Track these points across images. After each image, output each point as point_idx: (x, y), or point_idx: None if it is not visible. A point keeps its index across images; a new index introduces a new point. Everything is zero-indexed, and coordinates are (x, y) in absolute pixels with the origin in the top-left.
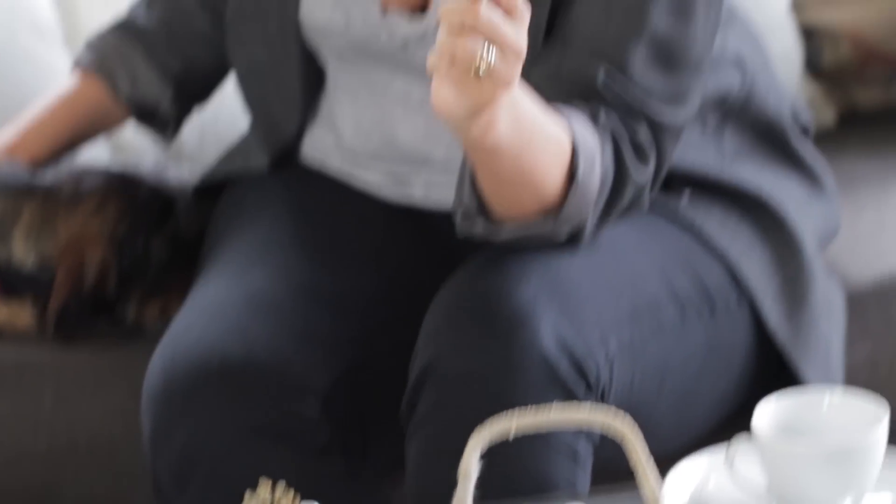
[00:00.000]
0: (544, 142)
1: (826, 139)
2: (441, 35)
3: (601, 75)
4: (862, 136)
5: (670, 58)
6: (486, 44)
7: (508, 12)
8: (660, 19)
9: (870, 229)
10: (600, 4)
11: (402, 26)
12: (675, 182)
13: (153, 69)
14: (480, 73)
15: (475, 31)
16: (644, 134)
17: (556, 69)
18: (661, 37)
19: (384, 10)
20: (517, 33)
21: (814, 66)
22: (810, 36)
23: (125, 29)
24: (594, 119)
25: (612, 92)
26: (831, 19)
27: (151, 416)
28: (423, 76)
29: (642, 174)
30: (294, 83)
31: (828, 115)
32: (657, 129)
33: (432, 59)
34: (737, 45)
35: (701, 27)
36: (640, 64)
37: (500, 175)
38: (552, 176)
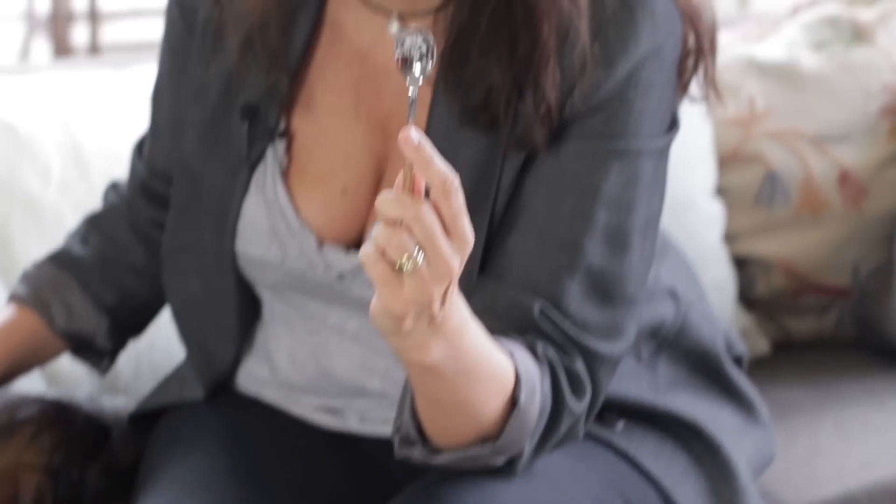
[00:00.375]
0: (486, 369)
1: (760, 367)
2: (375, 229)
3: (536, 310)
4: (796, 365)
5: (606, 291)
6: (417, 247)
7: (448, 230)
8: (595, 253)
9: (804, 457)
10: (535, 238)
11: (339, 259)
12: (609, 411)
13: (88, 301)
14: (405, 269)
15: (411, 230)
16: (580, 365)
17: (492, 303)
18: (597, 270)
19: (320, 243)
20: (452, 253)
21: (747, 295)
22: (743, 266)
23: (60, 261)
24: (532, 350)
25: (548, 325)
26: (764, 250)
27: None
28: (358, 308)
29: (578, 405)
30: (230, 315)
31: (762, 344)
32: (593, 361)
33: (363, 250)
34: (671, 277)
35: (636, 261)
36: (576, 297)
37: (439, 399)
38: (492, 404)
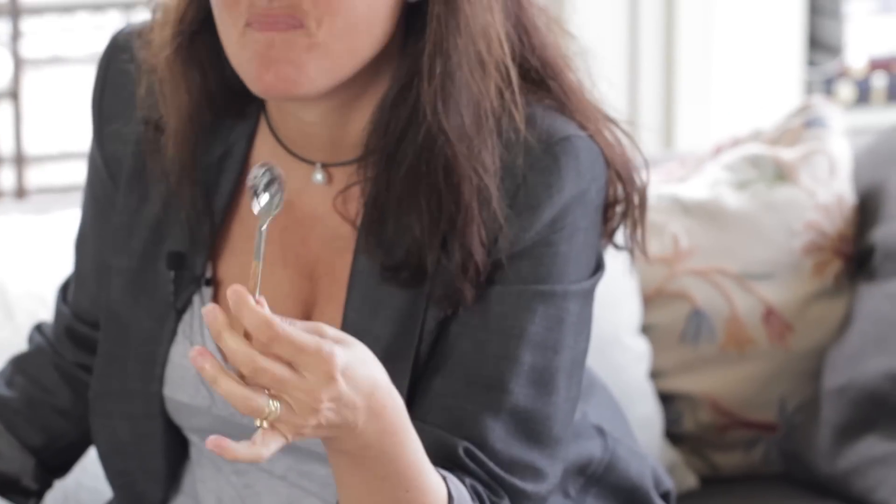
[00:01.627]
0: (416, 478)
1: (689, 502)
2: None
3: (461, 449)
4: (724, 499)
5: (532, 431)
6: (269, 399)
7: (296, 362)
8: (520, 394)
9: None
10: (460, 380)
11: None
12: None
13: (14, 443)
14: (264, 425)
15: (256, 383)
16: None
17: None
18: (522, 411)
19: None
20: (309, 384)
21: (674, 431)
22: (670, 402)
23: None
24: (462, 482)
25: (474, 465)
26: (690, 386)
27: None
28: (286, 449)
29: None
30: (158, 458)
31: (689, 479)
32: (520, 501)
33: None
34: (597, 414)
35: (562, 401)
36: (501, 438)
37: None
38: None
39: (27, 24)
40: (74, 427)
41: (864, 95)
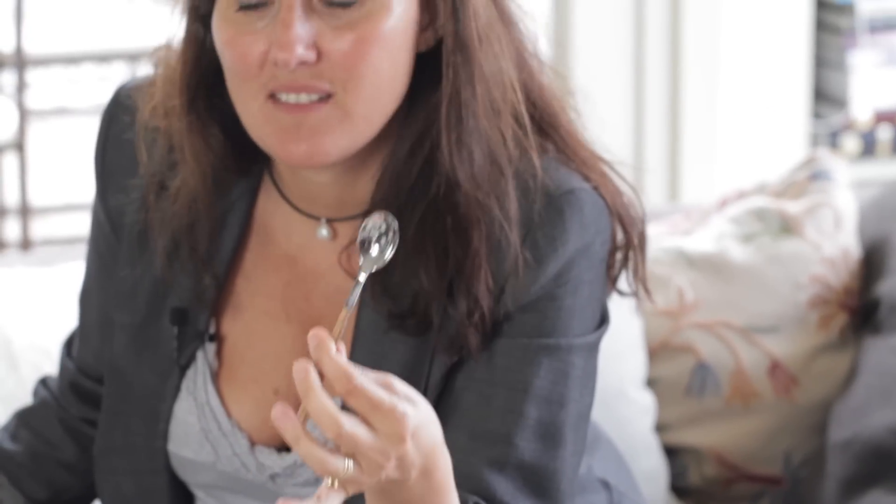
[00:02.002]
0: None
1: None
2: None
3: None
4: None
5: (538, 485)
6: (344, 460)
7: (370, 420)
8: (527, 448)
9: None
10: (466, 434)
11: (271, 460)
12: None
13: (18, 496)
14: (334, 484)
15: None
16: None
17: None
18: (528, 465)
19: (252, 444)
20: (380, 448)
21: (679, 484)
22: (675, 455)
23: None
24: None
25: None
26: (695, 440)
27: None
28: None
29: None
30: None
31: None
32: None
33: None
34: (603, 467)
35: (568, 455)
36: (508, 492)
37: None
38: None
39: (33, 75)
40: (79, 481)
41: (869, 148)
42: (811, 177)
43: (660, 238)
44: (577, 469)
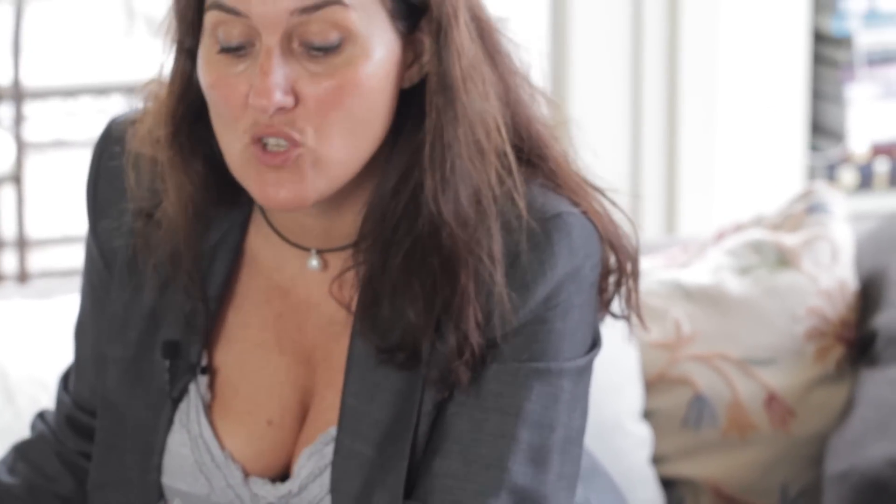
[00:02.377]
0: None
1: None
2: None
3: None
4: None
5: None
6: None
7: None
8: (518, 472)
9: None
10: (459, 459)
11: (265, 491)
12: None
13: None
14: None
15: None
16: None
17: None
18: (520, 489)
19: (246, 476)
20: None
21: None
22: (672, 487)
23: None
24: None
25: None
26: (692, 472)
27: None
28: None
29: None
30: None
31: None
32: None
33: None
34: (600, 499)
35: (555, 478)
36: None
37: None
38: None
39: (30, 108)
40: None
41: (866, 181)
42: (808, 209)
43: (657, 270)
44: (565, 494)
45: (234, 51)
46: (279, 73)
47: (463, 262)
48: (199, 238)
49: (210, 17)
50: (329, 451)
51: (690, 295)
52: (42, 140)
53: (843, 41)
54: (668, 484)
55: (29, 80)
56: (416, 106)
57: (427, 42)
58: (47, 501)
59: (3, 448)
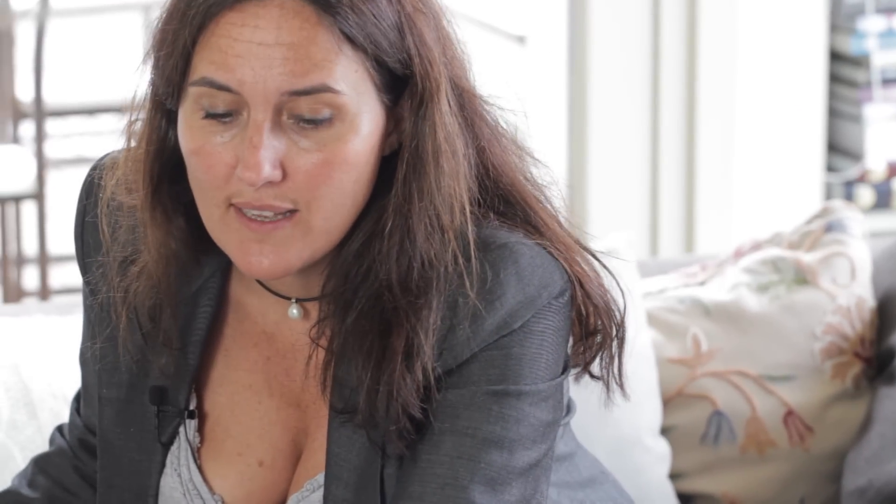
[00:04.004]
0: None
1: None
2: None
3: None
4: None
5: None
6: None
7: None
8: (475, 490)
9: None
10: (416, 480)
11: None
12: None
13: None
14: None
15: None
16: None
17: None
18: None
19: None
20: None
21: None
22: (690, 503)
23: (8, 500)
24: None
25: None
26: (710, 487)
27: None
28: None
29: None
30: None
31: None
32: None
33: None
34: None
35: (516, 500)
36: None
37: None
38: None
39: (52, 126)
40: None
41: (883, 199)
42: (826, 227)
43: (676, 288)
44: None
45: (220, 117)
46: (269, 147)
47: (400, 333)
48: (181, 287)
49: (197, 90)
50: (315, 497)
51: (709, 312)
52: (63, 157)
53: (861, 60)
54: (686, 500)
55: (50, 98)
56: (392, 172)
57: (407, 113)
58: None
59: (25, 461)
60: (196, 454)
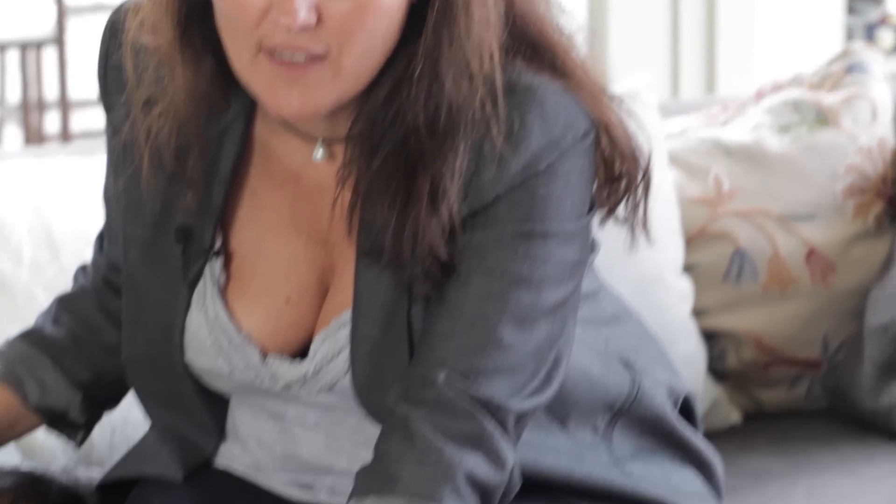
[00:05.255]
0: None
1: (732, 437)
2: None
3: (441, 379)
4: (768, 434)
5: (513, 368)
6: None
7: None
8: (504, 330)
9: None
10: (445, 319)
11: (283, 370)
12: (577, 491)
13: (62, 377)
14: None
15: None
16: (492, 431)
17: (406, 388)
18: (507, 347)
19: (264, 355)
20: None
21: (718, 368)
22: (713, 340)
23: (33, 339)
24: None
25: (454, 392)
26: (733, 324)
27: None
28: (313, 405)
29: (503, 486)
30: (201, 413)
31: (733, 415)
32: (503, 418)
33: None
34: (622, 344)
35: (543, 339)
36: (485, 372)
37: None
38: None
39: None
40: (120, 364)
41: None
42: (847, 69)
43: (697, 129)
44: (558, 355)
45: None
46: None
47: (424, 175)
48: (206, 126)
49: None
50: (342, 335)
51: (730, 152)
52: (83, 4)
53: None
54: (709, 336)
55: None
56: (420, 20)
57: None
58: (91, 351)
59: (48, 302)
60: (222, 292)
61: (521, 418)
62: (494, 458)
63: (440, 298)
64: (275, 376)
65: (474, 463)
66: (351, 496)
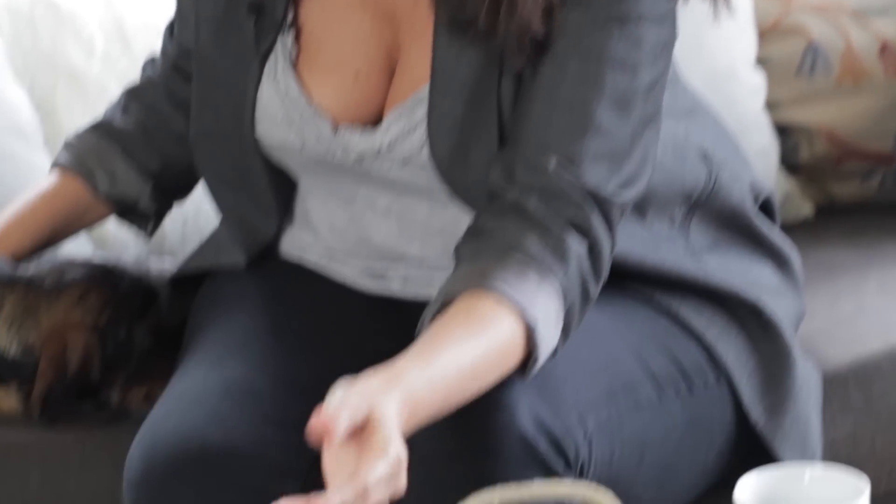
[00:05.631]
0: (469, 380)
1: (804, 230)
2: None
3: (552, 166)
4: (840, 227)
5: (613, 150)
6: None
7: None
8: (601, 113)
9: (848, 314)
10: (544, 102)
11: (355, 142)
12: (649, 279)
13: (131, 167)
14: None
15: None
16: (597, 223)
17: (511, 170)
18: (604, 129)
19: (335, 127)
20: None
21: (790, 161)
22: (786, 133)
23: (102, 129)
24: (561, 257)
25: (564, 181)
26: (806, 118)
27: (132, 502)
28: (384, 186)
29: (599, 279)
30: (265, 193)
31: (805, 208)
32: (609, 211)
33: None
34: (701, 135)
35: (638, 121)
36: (588, 154)
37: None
38: (500, 373)
39: None
40: (189, 154)
41: None
42: None
43: None
44: (651, 134)
45: None
46: None
47: None
48: None
49: None
50: (419, 112)
51: None
52: None
53: None
54: (782, 130)
55: None
56: None
57: None
58: (161, 140)
59: (119, 91)
60: (293, 66)
61: (623, 211)
62: (597, 253)
63: (535, 77)
64: (347, 148)
65: (582, 253)
66: (460, 261)
